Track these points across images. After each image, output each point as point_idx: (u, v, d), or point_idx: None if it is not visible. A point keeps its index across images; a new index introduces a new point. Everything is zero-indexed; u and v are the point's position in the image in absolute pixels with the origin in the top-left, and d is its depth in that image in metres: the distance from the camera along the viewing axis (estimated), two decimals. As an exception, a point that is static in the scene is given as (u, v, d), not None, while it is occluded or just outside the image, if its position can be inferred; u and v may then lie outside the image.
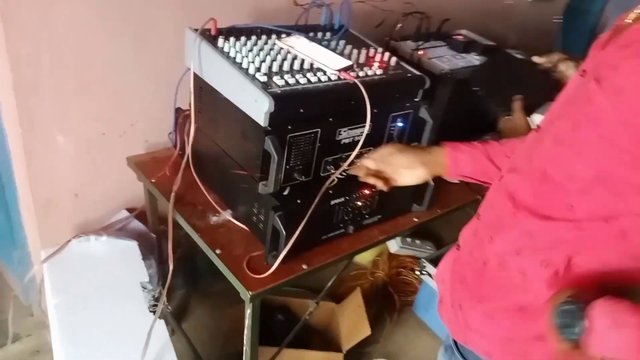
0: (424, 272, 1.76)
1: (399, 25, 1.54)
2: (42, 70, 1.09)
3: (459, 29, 1.67)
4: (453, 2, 1.87)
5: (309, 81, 0.98)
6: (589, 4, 2.41)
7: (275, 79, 0.95)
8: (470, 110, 1.57)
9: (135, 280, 1.22)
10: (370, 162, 1.02)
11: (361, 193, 1.12)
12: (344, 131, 1.05)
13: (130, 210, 1.42)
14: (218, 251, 1.05)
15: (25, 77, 1.08)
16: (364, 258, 2.05)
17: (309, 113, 0.97)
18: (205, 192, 1.16)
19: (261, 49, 1.04)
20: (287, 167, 0.99)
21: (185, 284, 1.75)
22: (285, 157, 0.97)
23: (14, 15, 1.01)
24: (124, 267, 1.25)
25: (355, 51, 1.13)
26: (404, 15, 1.56)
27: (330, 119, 1.01)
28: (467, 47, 1.55)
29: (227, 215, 1.14)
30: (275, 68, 0.99)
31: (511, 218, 0.75)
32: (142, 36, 1.23)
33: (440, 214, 1.33)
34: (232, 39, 1.05)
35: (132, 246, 1.29)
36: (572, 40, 2.41)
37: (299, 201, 1.00)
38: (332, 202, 1.07)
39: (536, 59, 1.37)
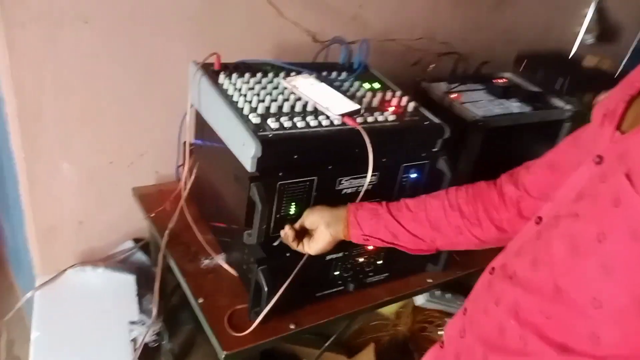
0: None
1: (432, 66, 1.44)
2: (46, 97, 1.08)
3: (504, 72, 1.54)
4: (497, 42, 1.75)
5: (307, 125, 0.90)
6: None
7: (270, 121, 0.88)
8: (504, 159, 1.44)
9: (124, 319, 1.17)
10: (291, 226, 0.91)
11: (363, 248, 1.01)
12: (346, 180, 0.95)
13: (137, 240, 1.38)
14: (200, 300, 0.98)
15: (29, 103, 1.07)
16: (388, 308, 1.92)
17: (304, 160, 0.88)
18: (197, 233, 1.09)
19: (263, 88, 0.98)
20: (278, 216, 0.91)
21: (192, 319, 1.69)
22: (275, 205, 0.89)
23: (20, 41, 1.00)
24: (116, 302, 1.20)
25: (369, 94, 1.05)
26: (440, 56, 1.46)
27: (330, 167, 0.92)
28: (507, 92, 1.42)
29: (219, 259, 1.06)
30: (273, 109, 0.91)
31: (515, 340, 0.59)
32: (152, 66, 1.20)
33: (459, 275, 1.19)
34: (234, 76, 0.99)
35: (129, 281, 1.24)
36: None
37: (288, 254, 0.91)
38: (329, 257, 0.97)
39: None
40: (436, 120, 1.04)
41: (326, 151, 0.91)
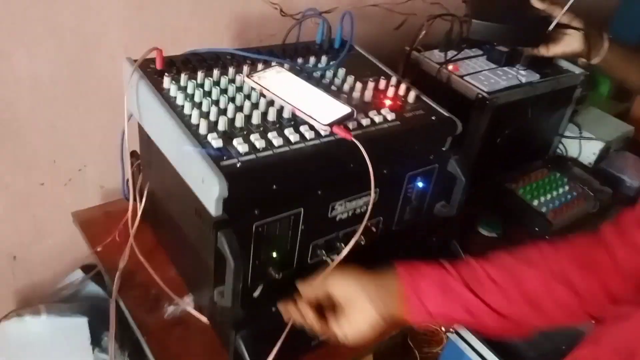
0: (451, 329, 1.46)
1: (422, 33, 1.21)
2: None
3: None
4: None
5: (287, 142, 0.68)
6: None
7: (237, 142, 0.65)
8: (514, 141, 1.25)
9: (77, 374, 0.96)
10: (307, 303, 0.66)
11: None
12: (339, 205, 0.74)
13: (86, 268, 1.15)
14: (166, 366, 0.78)
15: None
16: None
17: (286, 189, 0.67)
18: (154, 275, 0.87)
19: (224, 91, 0.74)
20: (257, 262, 0.70)
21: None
22: (252, 251, 0.68)
23: None
24: (66, 353, 0.98)
25: (359, 85, 0.82)
26: (429, 19, 1.23)
27: (319, 192, 0.71)
28: (510, 58, 1.21)
29: (187, 304, 0.85)
30: (239, 122, 0.68)
31: None
32: (82, 57, 0.94)
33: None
34: (183, 76, 0.74)
35: (80, 325, 1.02)
36: (628, 24, 2.08)
37: (273, 309, 0.71)
38: (324, 302, 0.77)
39: (535, 1, 1.04)
40: (445, 113, 0.83)
41: (314, 173, 0.69)
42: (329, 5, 1.02)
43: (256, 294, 0.72)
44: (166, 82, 0.73)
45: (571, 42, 1.02)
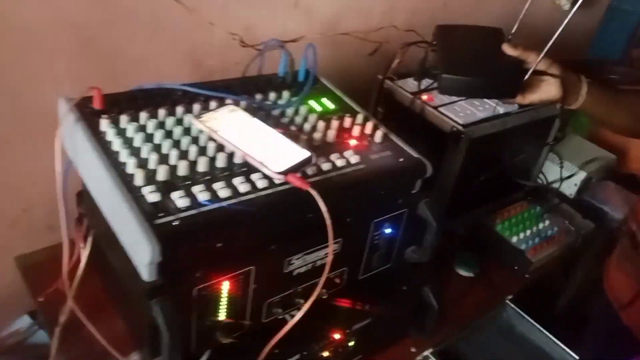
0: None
1: (396, 61, 1.16)
2: None
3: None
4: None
5: (235, 193, 0.61)
6: (631, 4, 2.04)
7: (177, 195, 0.58)
8: (492, 174, 1.20)
9: None
10: None
11: (328, 340, 0.75)
12: (297, 259, 0.68)
13: (35, 314, 1.07)
14: None
15: None
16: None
17: (233, 247, 0.60)
18: (96, 333, 0.79)
19: (168, 134, 0.67)
20: (201, 327, 0.62)
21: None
22: (195, 317, 0.61)
23: None
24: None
25: (321, 124, 0.76)
26: (403, 47, 1.18)
27: (273, 247, 0.64)
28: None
29: (133, 363, 0.78)
30: (182, 171, 0.61)
31: None
32: (27, 93, 0.87)
33: (452, 338, 0.96)
34: (124, 118, 0.67)
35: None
36: (610, 41, 2.08)
37: (222, 377, 0.64)
38: (281, 365, 0.70)
39: (507, 48, 0.92)
40: (414, 154, 0.77)
41: (266, 227, 0.62)
42: (296, 34, 0.97)
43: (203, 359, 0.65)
44: (103, 124, 0.66)
45: (548, 89, 0.96)
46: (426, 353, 0.97)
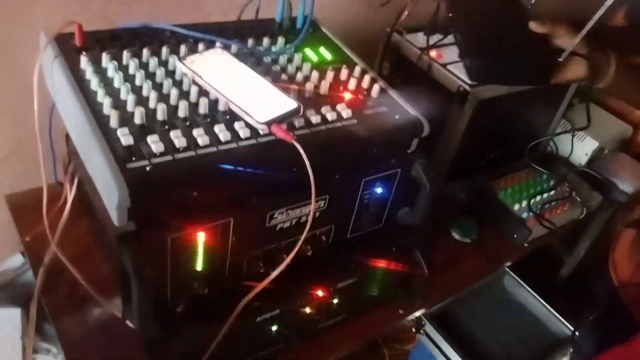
0: (421, 331, 1.39)
1: (405, 13, 1.09)
2: None
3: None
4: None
5: (215, 141, 0.58)
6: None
7: (152, 139, 0.55)
8: (499, 138, 1.15)
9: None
10: None
11: (311, 297, 0.73)
12: (280, 214, 0.65)
13: (28, 253, 1.07)
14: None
15: None
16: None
17: (211, 196, 0.57)
18: (77, 275, 0.78)
19: (151, 76, 0.64)
20: (177, 276, 0.61)
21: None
22: (169, 265, 0.59)
23: None
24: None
25: (316, 74, 0.72)
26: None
27: (254, 200, 0.62)
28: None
29: (115, 308, 0.77)
30: (161, 115, 0.58)
31: None
32: (11, 31, 0.83)
33: (441, 303, 0.94)
34: (105, 56, 0.64)
35: (12, 316, 0.95)
36: None
37: (200, 330, 0.63)
38: (259, 319, 0.69)
39: (534, 26, 0.83)
40: (412, 112, 0.73)
41: (247, 178, 0.60)
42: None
43: (179, 309, 0.64)
44: (83, 62, 0.63)
45: (575, 68, 0.89)
46: (418, 314, 0.97)
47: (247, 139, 0.59)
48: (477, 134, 1.04)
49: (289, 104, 0.62)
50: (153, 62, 0.65)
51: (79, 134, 0.58)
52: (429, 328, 1.37)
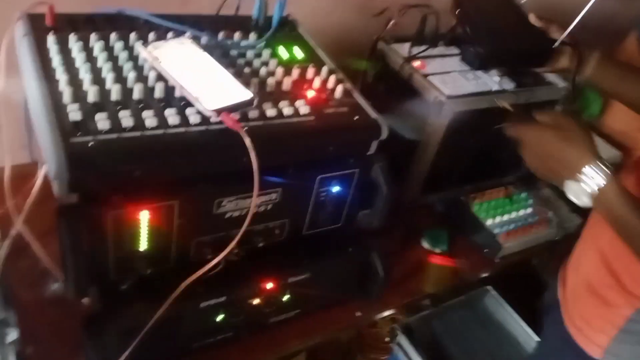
0: (394, 341, 1.38)
1: (392, 22, 1.11)
2: None
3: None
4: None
5: (163, 124, 0.59)
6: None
7: (101, 116, 0.57)
8: (478, 153, 1.15)
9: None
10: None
11: (260, 289, 0.74)
12: (229, 202, 0.66)
13: None
14: (29, 350, 0.71)
15: None
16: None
17: (154, 178, 0.59)
18: (39, 250, 0.80)
19: (113, 59, 0.66)
20: (118, 256, 0.62)
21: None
22: (110, 242, 0.60)
23: None
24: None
25: (281, 70, 0.73)
26: (402, 9, 1.12)
27: (200, 186, 0.63)
28: (488, 60, 1.09)
29: (72, 285, 0.79)
30: (115, 96, 0.60)
31: None
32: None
33: (399, 304, 0.94)
34: (72, 37, 0.67)
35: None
36: None
37: (137, 306, 0.64)
38: (204, 304, 0.70)
39: (533, 18, 0.98)
40: (372, 114, 0.73)
41: (192, 164, 0.61)
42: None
43: (125, 286, 0.66)
44: (50, 40, 0.65)
45: (560, 58, 0.95)
46: (377, 318, 0.97)
47: (197, 125, 0.61)
48: (455, 145, 1.04)
49: (243, 94, 0.63)
50: (118, 46, 0.67)
51: (33, 109, 0.60)
52: (401, 339, 1.36)
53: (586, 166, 0.66)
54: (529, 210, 1.13)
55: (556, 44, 0.94)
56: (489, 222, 1.07)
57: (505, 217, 1.08)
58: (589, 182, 0.66)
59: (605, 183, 0.65)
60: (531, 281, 1.58)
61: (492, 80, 1.05)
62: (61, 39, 0.66)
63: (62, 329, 0.74)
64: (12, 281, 0.79)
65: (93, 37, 0.67)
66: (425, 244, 1.04)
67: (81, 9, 0.74)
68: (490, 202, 1.11)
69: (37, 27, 0.67)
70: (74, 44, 0.66)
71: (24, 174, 0.90)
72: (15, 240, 0.82)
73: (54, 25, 0.67)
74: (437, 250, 1.04)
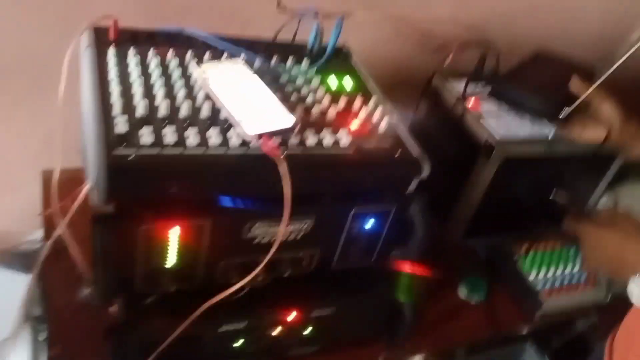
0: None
1: (449, 58, 1.09)
2: None
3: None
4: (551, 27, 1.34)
5: (204, 143, 0.60)
6: None
7: (146, 130, 0.58)
8: (528, 201, 1.09)
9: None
10: None
11: (282, 319, 0.73)
12: (260, 227, 0.66)
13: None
14: (55, 350, 0.73)
15: None
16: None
17: (187, 195, 0.59)
18: (75, 252, 0.82)
19: (167, 76, 0.67)
20: (145, 269, 0.63)
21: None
22: (139, 255, 0.61)
23: None
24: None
25: (327, 98, 0.73)
26: (461, 45, 1.10)
27: (232, 209, 0.63)
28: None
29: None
30: (163, 111, 0.61)
31: None
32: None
33: (426, 353, 0.90)
34: (132, 52, 0.69)
35: (19, 280, 1.01)
36: None
37: (158, 321, 0.64)
38: (223, 329, 0.69)
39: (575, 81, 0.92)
40: (414, 151, 0.71)
41: (228, 185, 0.61)
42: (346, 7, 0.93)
43: (149, 300, 0.66)
44: (110, 53, 0.68)
45: (593, 128, 0.88)
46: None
47: (236, 147, 0.61)
48: (503, 191, 1.00)
49: (286, 120, 0.63)
50: (174, 63, 0.69)
51: (85, 117, 0.62)
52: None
53: None
54: (578, 267, 1.06)
55: (572, 106, 0.90)
56: (532, 275, 1.01)
57: (551, 273, 1.02)
58: None
59: None
60: (576, 342, 1.48)
61: (550, 128, 1.01)
62: (121, 52, 0.69)
63: (89, 334, 0.75)
64: (49, 281, 0.82)
65: (151, 52, 0.70)
66: (462, 292, 1.00)
67: (148, 24, 0.78)
68: (536, 254, 1.05)
69: (101, 39, 0.70)
70: (132, 58, 0.68)
71: (75, 178, 0.93)
72: (57, 242, 0.85)
73: (116, 38, 0.70)
74: (474, 301, 0.99)
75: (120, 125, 0.58)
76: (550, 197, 0.90)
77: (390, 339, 0.84)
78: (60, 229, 0.83)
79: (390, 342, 0.84)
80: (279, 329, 0.73)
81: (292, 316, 0.72)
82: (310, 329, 0.75)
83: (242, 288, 0.66)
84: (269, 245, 0.68)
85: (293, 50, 0.82)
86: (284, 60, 0.79)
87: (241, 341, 0.71)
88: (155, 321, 0.64)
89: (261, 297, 0.70)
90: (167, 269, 0.64)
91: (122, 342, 0.62)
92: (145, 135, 0.58)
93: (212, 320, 0.67)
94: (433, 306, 0.95)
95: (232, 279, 0.68)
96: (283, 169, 0.58)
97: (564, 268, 1.04)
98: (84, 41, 0.70)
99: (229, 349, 0.71)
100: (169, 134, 0.59)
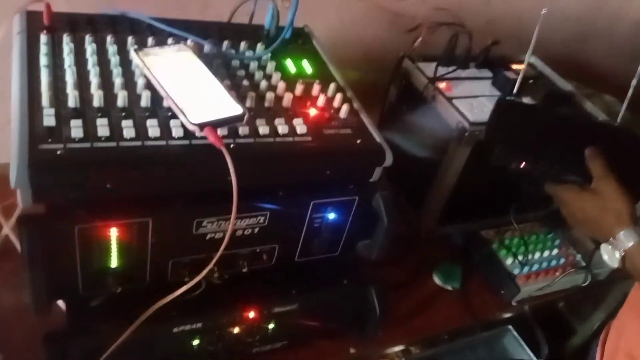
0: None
1: (419, 40, 1.04)
2: None
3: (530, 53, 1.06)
4: (527, 12, 1.30)
5: (142, 135, 0.56)
6: None
7: (75, 123, 0.54)
8: (502, 184, 1.06)
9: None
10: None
11: (241, 317, 0.69)
12: (210, 223, 0.62)
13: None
14: None
15: None
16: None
17: (127, 192, 0.55)
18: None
19: (104, 64, 0.62)
20: (87, 271, 0.58)
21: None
22: (78, 256, 0.57)
23: None
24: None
25: (282, 85, 0.68)
26: (432, 26, 1.06)
27: (178, 204, 0.59)
28: (522, 86, 1.01)
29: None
30: (97, 102, 0.57)
31: None
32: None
33: (396, 349, 0.87)
34: (66, 38, 0.64)
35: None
36: None
37: (103, 325, 0.60)
38: (177, 329, 0.65)
39: (589, 155, 0.73)
40: (377, 138, 0.67)
41: (169, 180, 0.57)
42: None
43: (95, 303, 0.62)
44: (42, 39, 0.63)
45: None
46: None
47: (179, 138, 0.57)
48: (476, 176, 0.96)
49: (234, 109, 0.59)
50: (112, 50, 0.64)
51: (12, 110, 0.57)
52: None
53: (620, 232, 0.67)
54: (555, 251, 1.03)
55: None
56: (508, 261, 0.98)
57: (529, 257, 0.99)
58: (619, 245, 0.67)
59: (633, 244, 0.65)
60: (557, 324, 1.47)
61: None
62: (54, 39, 0.64)
63: (35, 339, 0.71)
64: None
65: (88, 38, 0.65)
66: (437, 280, 0.97)
67: (94, 9, 0.72)
68: (512, 239, 1.02)
69: (34, 24, 0.65)
70: (66, 45, 0.63)
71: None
72: (4, 243, 0.81)
73: (50, 23, 0.65)
74: (449, 287, 0.96)
75: (47, 119, 0.53)
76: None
77: (360, 333, 0.81)
78: (6, 229, 0.79)
79: (361, 334, 0.81)
80: (240, 327, 0.69)
81: (251, 313, 0.69)
82: (272, 325, 0.72)
83: (196, 287, 0.63)
84: (222, 241, 0.64)
85: (249, 32, 0.78)
86: (236, 44, 0.74)
87: (200, 341, 0.68)
88: (101, 325, 0.60)
89: (218, 295, 0.67)
90: (112, 269, 0.60)
91: (63, 350, 0.58)
92: (74, 129, 0.53)
93: (164, 321, 0.63)
94: (409, 295, 0.92)
95: (184, 277, 0.65)
96: (229, 159, 0.54)
97: (542, 252, 1.02)
98: (15, 26, 0.64)
99: (186, 350, 0.68)
100: (102, 127, 0.54)
